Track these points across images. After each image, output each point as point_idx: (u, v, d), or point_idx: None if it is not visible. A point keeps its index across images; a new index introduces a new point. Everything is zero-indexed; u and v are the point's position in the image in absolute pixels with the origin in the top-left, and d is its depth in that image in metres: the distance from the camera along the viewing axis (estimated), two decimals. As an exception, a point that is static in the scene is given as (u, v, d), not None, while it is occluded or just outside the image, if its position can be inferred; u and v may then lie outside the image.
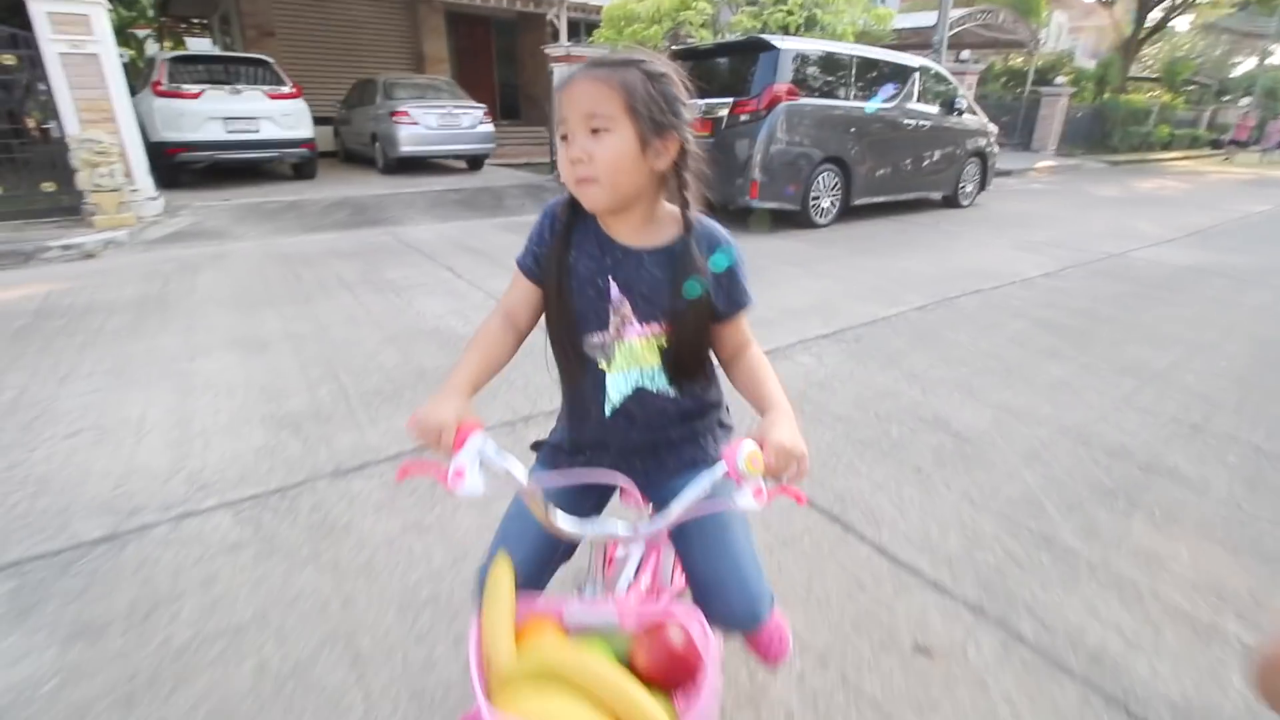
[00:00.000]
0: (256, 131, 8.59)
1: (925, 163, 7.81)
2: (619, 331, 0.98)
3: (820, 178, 6.74)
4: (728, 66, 6.83)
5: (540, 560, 0.99)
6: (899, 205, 7.90)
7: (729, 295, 0.98)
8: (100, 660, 1.41)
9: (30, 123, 7.17)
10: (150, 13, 17.06)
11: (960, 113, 7.99)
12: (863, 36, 12.24)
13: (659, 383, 1.00)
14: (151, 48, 18.54)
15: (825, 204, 6.89)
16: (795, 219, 6.68)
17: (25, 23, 6.16)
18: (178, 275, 4.62)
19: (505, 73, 16.14)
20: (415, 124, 9.84)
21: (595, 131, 0.86)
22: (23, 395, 2.71)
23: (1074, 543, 1.88)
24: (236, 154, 8.52)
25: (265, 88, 8.75)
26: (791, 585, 1.68)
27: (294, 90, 9.00)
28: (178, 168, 8.13)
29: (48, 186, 6.20)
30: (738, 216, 6.42)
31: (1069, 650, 1.49)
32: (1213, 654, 1.50)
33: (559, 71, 10.07)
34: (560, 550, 1.02)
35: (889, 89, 6.92)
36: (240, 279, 4.56)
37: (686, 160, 0.92)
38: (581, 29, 13.73)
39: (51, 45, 6.14)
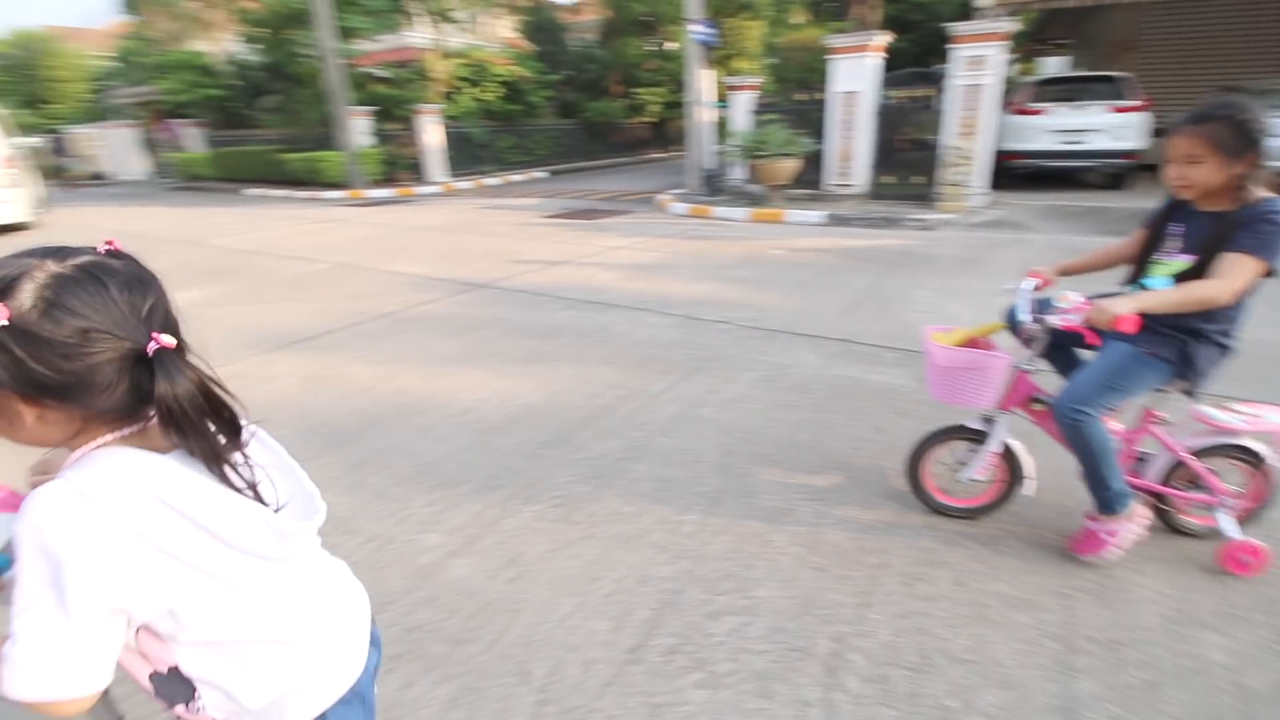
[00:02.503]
0: (1082, 143, 9.43)
1: None
2: (1166, 253, 1.74)
3: None
4: None
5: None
6: None
7: (1232, 242, 1.57)
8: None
9: (913, 134, 10.27)
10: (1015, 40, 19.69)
11: None
12: None
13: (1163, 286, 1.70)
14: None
15: None
16: None
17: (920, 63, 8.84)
18: (985, 249, 6.24)
19: None
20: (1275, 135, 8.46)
21: (1192, 162, 1.59)
22: (896, 291, 4.79)
23: None
24: (1057, 162, 9.66)
25: (1109, 102, 9.37)
26: None
27: (1139, 104, 9.26)
28: (1004, 171, 9.91)
29: (918, 179, 9.01)
30: None
31: None
32: None
33: None
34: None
35: None
36: (1027, 258, 5.78)
37: (1259, 166, 1.57)
38: None
39: (956, 80, 8.62)
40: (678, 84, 20.76)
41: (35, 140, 9.92)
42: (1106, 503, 1.82)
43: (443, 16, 15.60)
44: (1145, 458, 1.96)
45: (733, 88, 10.82)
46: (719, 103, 12.40)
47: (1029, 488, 2.02)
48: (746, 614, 1.75)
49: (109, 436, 0.65)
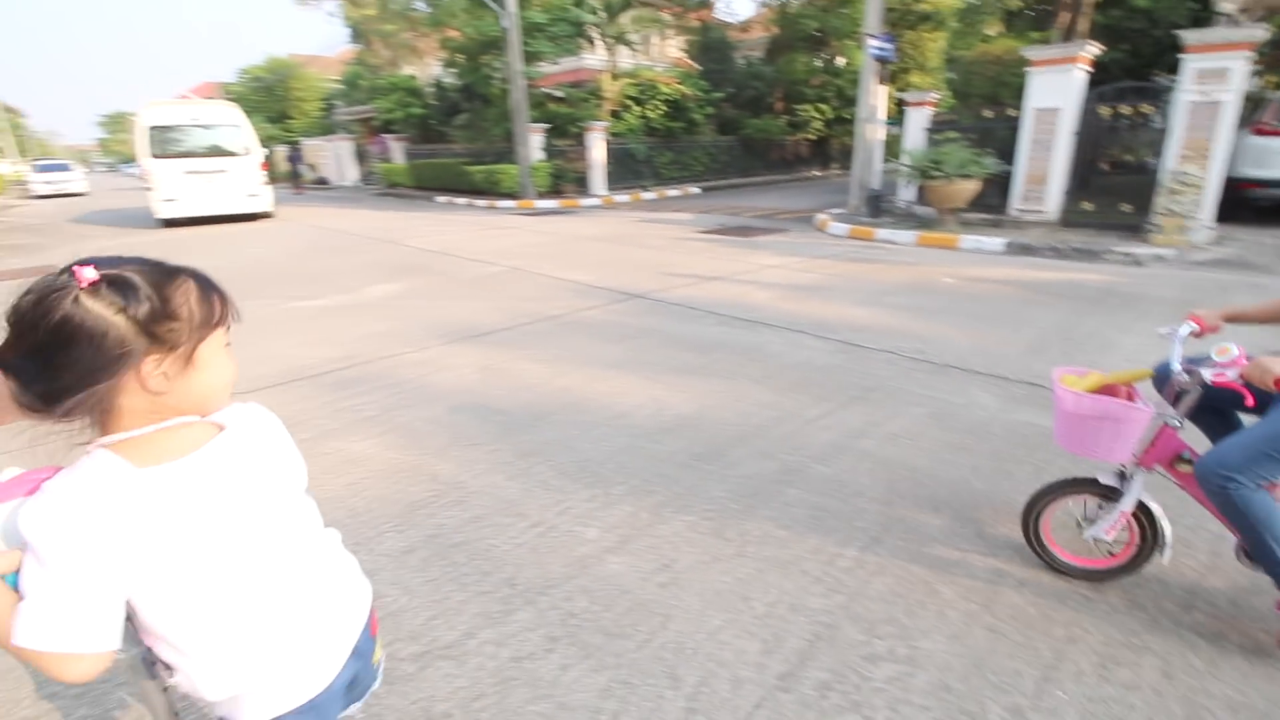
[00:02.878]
0: (1354, 171, 7.77)
1: None
2: None
3: None
4: None
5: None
6: None
7: None
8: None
9: (1122, 157, 9.05)
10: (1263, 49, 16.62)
11: None
12: None
13: None
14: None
15: None
16: None
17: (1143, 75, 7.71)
18: (1211, 291, 5.35)
19: None
20: None
21: None
22: (1093, 333, 4.25)
23: None
24: (1317, 193, 8.02)
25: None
26: None
27: None
28: (1241, 203, 8.43)
29: (1125, 207, 7.94)
30: None
31: None
32: None
33: None
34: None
35: None
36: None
37: None
38: None
39: (1185, 95, 7.49)
40: (843, 100, 20.15)
41: (265, 150, 13.35)
42: None
43: (618, 40, 16.44)
44: None
45: (907, 104, 10.28)
46: (890, 120, 11.83)
47: (1165, 556, 1.82)
48: (908, 664, 1.65)
49: (98, 441, 0.75)
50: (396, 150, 21.54)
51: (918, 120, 10.12)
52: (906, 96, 10.49)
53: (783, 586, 1.94)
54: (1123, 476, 1.83)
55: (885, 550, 2.09)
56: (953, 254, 7.46)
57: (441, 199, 16.40)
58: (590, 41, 17.08)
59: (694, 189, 17.27)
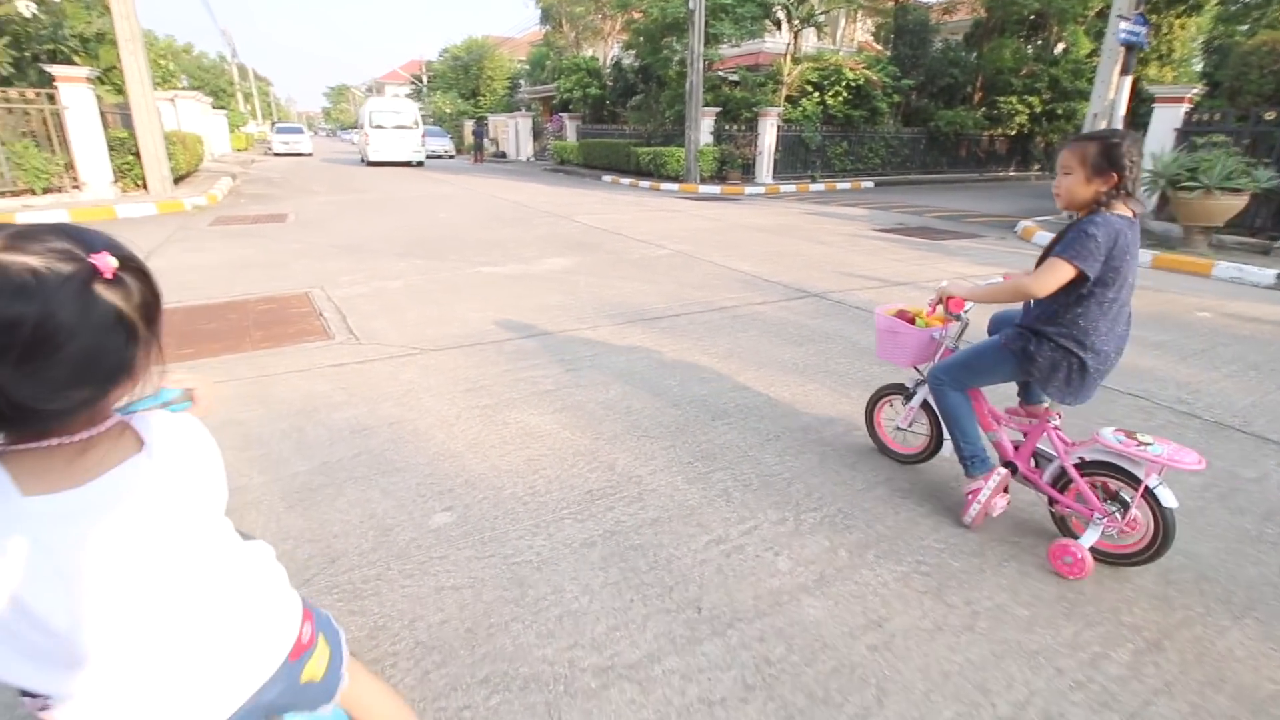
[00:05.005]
0: None
1: None
2: None
3: None
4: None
5: None
6: None
7: (1056, 245, 1.84)
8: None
9: None
10: None
11: None
12: None
13: None
14: None
15: None
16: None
17: None
18: None
19: None
20: None
21: (1065, 173, 1.84)
22: None
23: None
24: None
25: None
26: None
27: None
28: None
29: None
30: None
31: None
32: None
33: None
34: None
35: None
36: None
37: (1121, 187, 1.77)
38: None
39: None
40: (1056, 93, 17.75)
41: (423, 126, 21.47)
42: (967, 465, 2.13)
43: (806, 22, 15.64)
44: (1047, 457, 2.08)
45: (1156, 100, 8.69)
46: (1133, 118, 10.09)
47: (946, 450, 2.27)
48: (1230, 837, 1.24)
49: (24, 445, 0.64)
50: (569, 129, 22.35)
51: (1167, 120, 8.53)
52: (1157, 91, 8.86)
53: (1031, 683, 1.56)
54: (918, 384, 2.40)
55: (1171, 664, 1.63)
56: (1203, 282, 6.18)
57: (607, 178, 16.75)
58: (776, 24, 16.41)
59: (866, 183, 16.15)
